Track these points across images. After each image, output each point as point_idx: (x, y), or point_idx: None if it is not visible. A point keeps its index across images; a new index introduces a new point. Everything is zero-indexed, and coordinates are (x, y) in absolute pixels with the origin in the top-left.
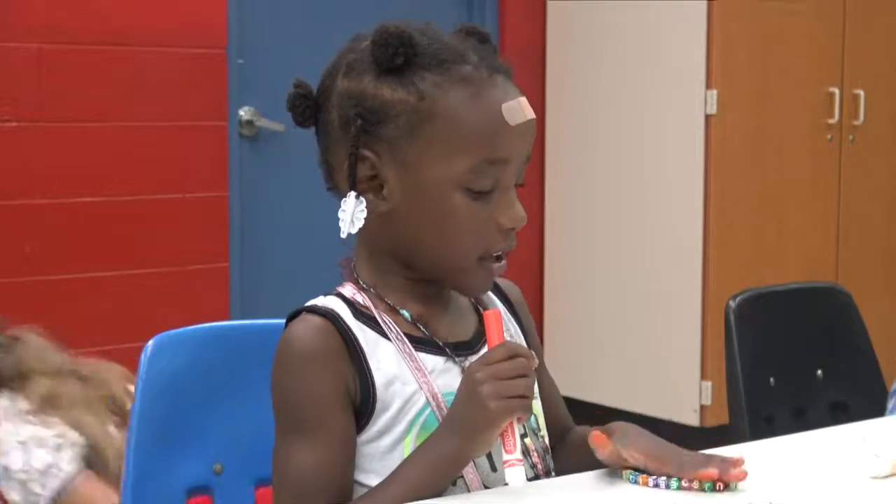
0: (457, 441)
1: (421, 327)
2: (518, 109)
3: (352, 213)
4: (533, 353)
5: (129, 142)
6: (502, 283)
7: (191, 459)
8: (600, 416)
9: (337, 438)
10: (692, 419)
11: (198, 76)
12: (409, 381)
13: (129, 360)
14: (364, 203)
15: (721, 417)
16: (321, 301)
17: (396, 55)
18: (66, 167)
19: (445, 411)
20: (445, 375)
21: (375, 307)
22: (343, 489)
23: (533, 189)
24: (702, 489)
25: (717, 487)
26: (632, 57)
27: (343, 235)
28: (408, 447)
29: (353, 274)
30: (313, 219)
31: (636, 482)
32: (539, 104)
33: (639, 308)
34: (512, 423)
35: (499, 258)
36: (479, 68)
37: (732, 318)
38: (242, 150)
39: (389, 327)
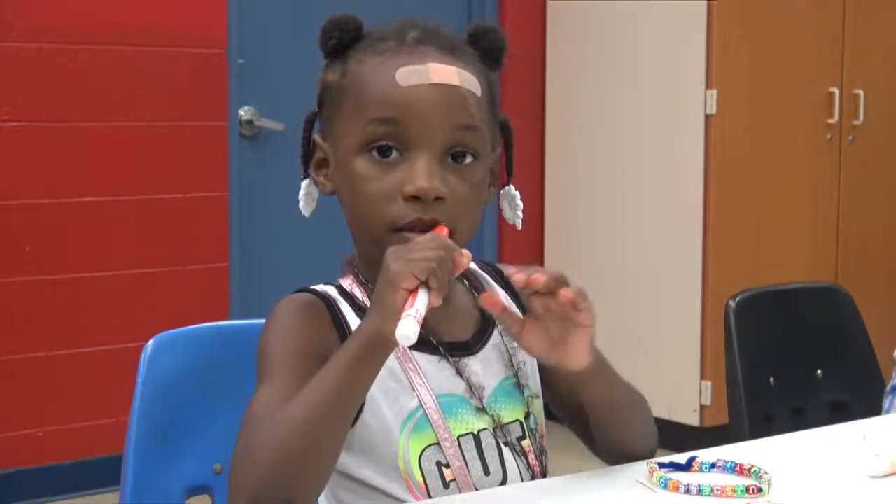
0: (370, 317)
1: None
2: (421, 72)
3: (305, 196)
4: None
5: (129, 142)
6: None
7: (191, 459)
8: None
9: (301, 377)
10: (692, 419)
11: (198, 76)
12: (400, 379)
13: (129, 360)
14: (311, 185)
15: (721, 417)
16: (320, 287)
17: (331, 39)
18: (66, 167)
19: (440, 414)
20: (440, 376)
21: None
22: None
23: (533, 189)
24: (735, 494)
25: (750, 490)
26: (632, 57)
27: (306, 215)
28: (401, 448)
29: (353, 268)
30: (313, 219)
31: (666, 487)
32: (539, 104)
33: (638, 308)
34: (418, 288)
35: (422, 230)
36: (405, 42)
37: (732, 318)
38: (242, 150)
39: None
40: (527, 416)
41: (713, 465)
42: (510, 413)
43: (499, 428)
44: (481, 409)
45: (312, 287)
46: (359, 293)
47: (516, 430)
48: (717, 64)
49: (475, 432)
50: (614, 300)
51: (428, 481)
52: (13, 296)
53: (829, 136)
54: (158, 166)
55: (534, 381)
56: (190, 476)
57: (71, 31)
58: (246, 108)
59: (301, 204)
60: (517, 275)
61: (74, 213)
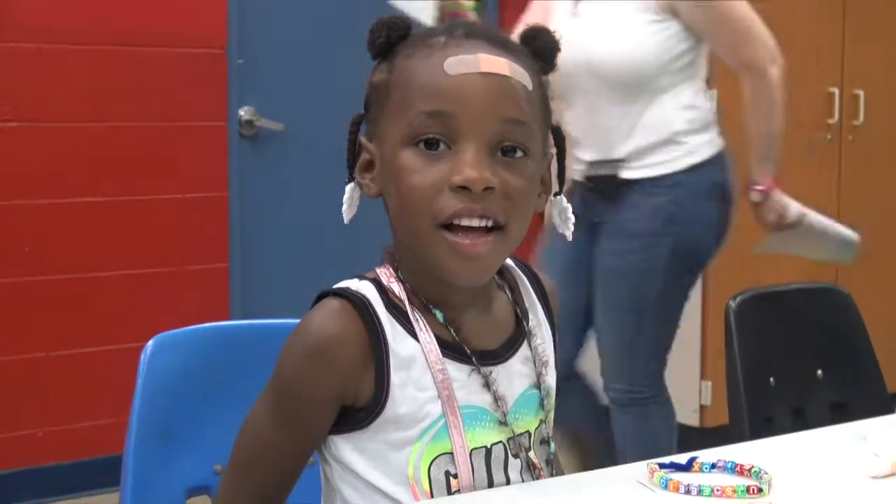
0: None
1: (452, 332)
2: (470, 61)
3: (349, 199)
4: None
5: (129, 142)
6: (543, 277)
7: (191, 459)
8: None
9: (302, 432)
10: (692, 419)
11: (198, 76)
12: (427, 388)
13: (129, 360)
14: (355, 189)
15: (721, 417)
16: (354, 284)
17: (379, 37)
18: (66, 167)
19: (461, 426)
20: (468, 387)
21: (409, 302)
22: (285, 475)
23: None
24: (735, 495)
25: (750, 491)
26: None
27: (346, 221)
28: (414, 454)
29: (394, 261)
30: (313, 219)
31: (666, 487)
32: None
33: None
34: None
35: (466, 230)
36: (454, 36)
37: (732, 318)
38: (242, 150)
39: (420, 327)
40: (538, 426)
41: (713, 466)
42: (525, 424)
43: (512, 440)
44: (503, 423)
45: (346, 284)
46: (396, 289)
47: (525, 442)
48: (717, 64)
49: (488, 446)
50: None
51: (434, 489)
52: (13, 296)
53: (829, 136)
54: (158, 166)
55: (552, 391)
56: (190, 476)
57: (71, 31)
58: (246, 108)
59: (344, 208)
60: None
61: (74, 213)
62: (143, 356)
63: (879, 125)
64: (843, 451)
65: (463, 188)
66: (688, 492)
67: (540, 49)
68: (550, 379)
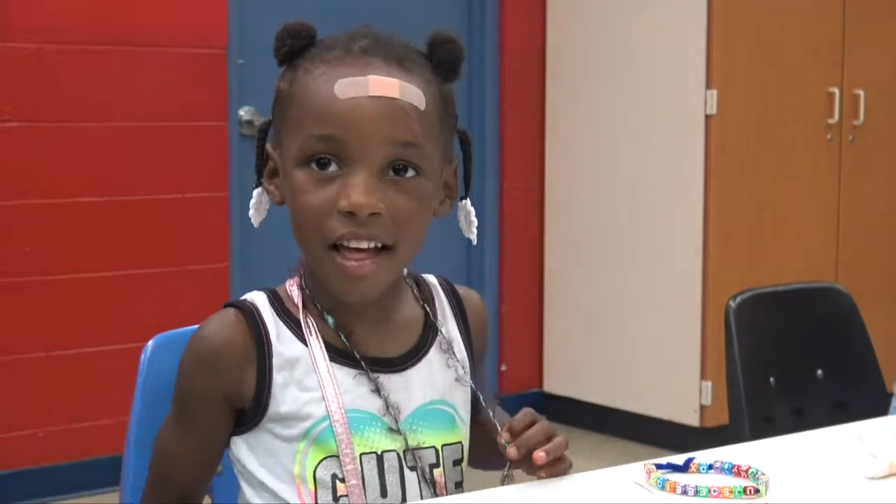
0: None
1: (342, 337)
2: (360, 84)
3: (255, 204)
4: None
5: (129, 142)
6: (463, 292)
7: None
8: (600, 416)
9: (201, 436)
10: (692, 419)
11: (198, 76)
12: (311, 389)
13: (130, 360)
14: (262, 194)
15: (721, 417)
16: (250, 295)
17: (283, 46)
18: (66, 167)
19: (346, 428)
20: (355, 391)
21: (304, 308)
22: (196, 481)
23: (533, 189)
24: (732, 495)
25: (747, 492)
26: (632, 57)
27: (255, 225)
28: (299, 454)
29: (300, 270)
30: None
31: (663, 488)
32: (539, 104)
33: (639, 308)
34: None
35: (353, 250)
36: (351, 52)
37: (732, 318)
38: (242, 150)
39: (311, 331)
40: (450, 444)
41: (710, 467)
42: (428, 438)
43: (409, 451)
44: (394, 430)
45: (244, 297)
46: (295, 296)
47: (429, 457)
48: (717, 64)
49: (379, 452)
50: (614, 300)
51: (319, 491)
52: (13, 296)
53: (829, 136)
54: (158, 166)
55: (465, 411)
56: None
57: (71, 31)
58: (246, 108)
59: (251, 212)
60: (510, 450)
61: (74, 213)
62: (143, 356)
63: (879, 125)
64: (840, 451)
65: (350, 213)
66: (685, 492)
67: (443, 59)
68: (460, 395)
